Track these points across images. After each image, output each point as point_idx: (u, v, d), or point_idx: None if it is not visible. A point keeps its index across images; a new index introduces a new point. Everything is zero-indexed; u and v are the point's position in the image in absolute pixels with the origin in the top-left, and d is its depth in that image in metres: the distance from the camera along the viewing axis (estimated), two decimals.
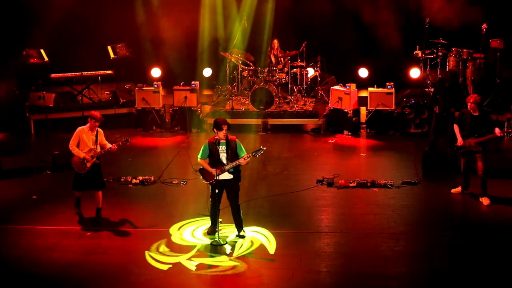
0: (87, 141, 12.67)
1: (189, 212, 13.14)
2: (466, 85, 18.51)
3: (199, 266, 11.13)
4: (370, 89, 18.29)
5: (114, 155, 16.01)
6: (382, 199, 13.78)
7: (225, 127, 11.66)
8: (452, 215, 13.20)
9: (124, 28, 20.09)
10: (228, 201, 12.06)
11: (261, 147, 11.82)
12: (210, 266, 11.14)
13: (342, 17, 20.27)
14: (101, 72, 20.16)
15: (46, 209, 13.43)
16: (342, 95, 18.26)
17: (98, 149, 12.74)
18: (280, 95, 19.12)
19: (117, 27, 19.85)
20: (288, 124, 18.62)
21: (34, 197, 14.11)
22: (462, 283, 10.72)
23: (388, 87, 18.11)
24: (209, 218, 12.18)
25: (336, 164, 15.90)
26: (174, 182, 14.78)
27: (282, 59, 19.49)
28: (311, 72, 19.96)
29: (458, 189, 13.86)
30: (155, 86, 18.78)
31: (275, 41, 19.64)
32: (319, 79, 19.92)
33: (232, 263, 11.22)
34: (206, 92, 20.70)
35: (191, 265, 11.17)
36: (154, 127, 18.67)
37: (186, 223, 12.69)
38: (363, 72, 20.16)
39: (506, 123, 17.14)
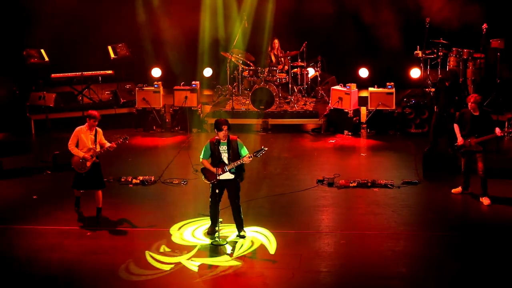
0: (85, 140, 12.67)
1: (189, 212, 13.14)
2: (467, 85, 18.51)
3: (200, 266, 11.12)
4: (371, 89, 18.30)
5: (114, 155, 16.02)
6: (382, 199, 13.78)
7: (225, 128, 11.66)
8: (453, 215, 13.20)
9: (125, 28, 20.09)
10: (228, 201, 12.06)
11: (262, 147, 11.81)
12: (211, 266, 11.14)
13: (343, 17, 20.28)
14: (102, 72, 20.16)
15: (46, 209, 13.43)
16: (342, 95, 18.27)
17: (98, 148, 12.74)
18: (280, 95, 19.12)
19: (117, 27, 19.85)
20: (289, 124, 18.62)
21: (34, 197, 14.11)
22: (462, 283, 10.73)
23: (389, 87, 18.11)
24: (209, 218, 12.17)
25: (337, 164, 15.90)
26: (174, 182, 14.79)
27: (282, 59, 19.49)
28: (311, 72, 19.96)
29: (459, 189, 13.86)
30: (155, 86, 18.78)
31: (276, 40, 19.64)
32: (319, 79, 19.92)
33: (233, 263, 11.22)
34: (207, 92, 20.71)
35: (192, 265, 11.17)
36: (154, 127, 18.67)
37: (187, 223, 12.69)
38: (363, 72, 20.16)
39: (506, 123, 17.14)
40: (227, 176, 11.80)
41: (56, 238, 12.22)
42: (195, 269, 11.06)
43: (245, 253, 11.56)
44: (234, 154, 11.75)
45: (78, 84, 19.75)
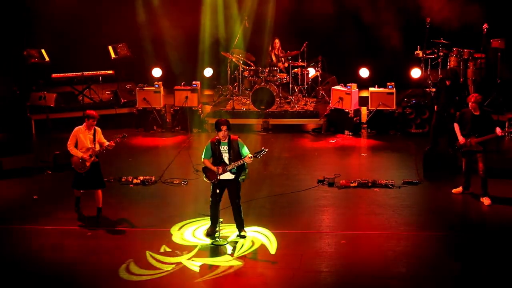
0: (84, 140, 12.68)
1: (190, 212, 13.14)
2: (467, 85, 18.51)
3: (200, 266, 11.12)
4: (371, 89, 18.30)
5: (115, 155, 16.06)
6: (383, 199, 13.78)
7: (224, 128, 11.66)
8: (453, 215, 13.19)
9: (125, 28, 20.10)
10: (229, 201, 12.06)
11: (262, 148, 11.81)
12: (211, 266, 11.13)
13: (343, 17, 20.29)
14: (102, 72, 20.17)
15: (46, 209, 13.44)
16: (343, 95, 18.27)
17: (97, 148, 12.74)
18: (281, 95, 19.12)
19: (118, 27, 19.87)
20: (289, 124, 18.62)
21: (34, 197, 14.12)
22: (463, 283, 10.73)
23: (389, 87, 18.11)
24: (209, 218, 12.17)
25: (337, 164, 15.90)
26: (175, 182, 14.79)
27: (283, 58, 19.50)
28: (312, 72, 19.97)
29: (459, 189, 13.86)
30: (156, 86, 18.78)
31: (277, 40, 19.65)
32: (320, 79, 19.92)
33: (233, 263, 11.22)
34: (207, 92, 20.72)
35: (192, 265, 11.17)
36: (155, 127, 18.67)
37: (187, 223, 12.69)
38: (364, 72, 20.17)
39: (507, 123, 17.12)
40: (228, 176, 11.80)
41: (56, 238, 12.22)
42: (196, 269, 11.06)
43: (245, 253, 11.56)
44: (235, 154, 11.75)
45: (79, 84, 19.75)
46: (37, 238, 12.24)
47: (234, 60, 19.21)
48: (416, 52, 19.12)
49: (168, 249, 11.70)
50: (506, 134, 13.46)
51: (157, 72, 20.70)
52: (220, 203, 11.95)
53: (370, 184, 14.37)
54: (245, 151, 11.78)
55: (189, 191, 14.37)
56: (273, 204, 13.63)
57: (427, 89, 19.08)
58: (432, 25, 18.69)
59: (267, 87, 18.52)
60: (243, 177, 11.97)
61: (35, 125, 18.45)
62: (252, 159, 11.66)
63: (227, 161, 11.76)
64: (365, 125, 18.25)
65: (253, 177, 14.56)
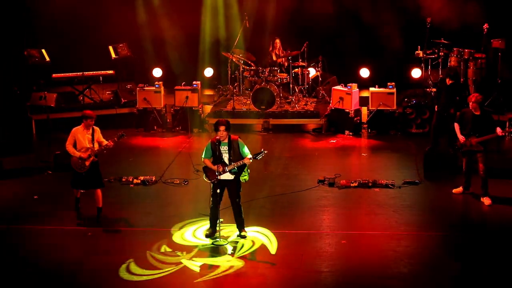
0: (83, 140, 12.68)
1: (190, 212, 13.14)
2: (468, 85, 18.50)
3: (201, 266, 11.12)
4: (372, 89, 18.30)
5: (115, 155, 16.07)
6: (383, 199, 13.78)
7: (221, 128, 11.65)
8: (453, 215, 13.20)
9: (126, 28, 20.10)
10: (229, 201, 12.06)
11: (262, 150, 11.81)
12: (211, 266, 11.13)
13: (344, 17, 20.29)
14: (103, 72, 20.18)
15: (47, 209, 13.44)
16: (343, 95, 18.27)
17: (96, 147, 12.74)
18: (281, 95, 19.12)
19: (118, 27, 19.87)
20: (290, 124, 18.62)
21: (35, 197, 14.12)
22: (463, 283, 10.73)
23: (390, 87, 18.11)
24: (209, 219, 12.17)
25: (338, 164, 15.89)
26: (175, 182, 14.79)
27: (283, 58, 19.49)
28: (312, 72, 19.97)
29: (460, 189, 13.86)
30: (156, 86, 18.78)
31: (277, 40, 19.65)
32: (320, 79, 19.92)
33: (234, 263, 11.22)
34: (208, 92, 20.72)
35: (193, 265, 11.16)
36: (155, 127, 18.67)
37: (187, 223, 12.69)
38: (364, 72, 20.18)
39: (507, 123, 17.11)
40: (227, 176, 11.80)
41: (57, 238, 12.22)
42: (196, 269, 11.06)
43: (246, 253, 11.56)
44: (235, 154, 11.75)
45: (79, 84, 19.77)
46: (37, 238, 12.25)
47: (234, 60, 19.20)
48: (417, 52, 19.12)
49: (168, 249, 11.70)
50: (507, 134, 13.46)
51: (157, 72, 20.72)
52: (220, 203, 11.94)
53: (370, 184, 14.37)
54: (246, 151, 11.78)
55: (189, 191, 14.37)
56: (274, 204, 13.63)
57: (428, 89, 19.08)
58: (432, 25, 18.70)
59: (268, 87, 18.52)
60: (246, 177, 11.97)
61: (36, 125, 18.44)
62: (251, 160, 11.67)
63: (227, 161, 11.76)
64: (365, 125, 18.25)
65: (253, 177, 14.51)
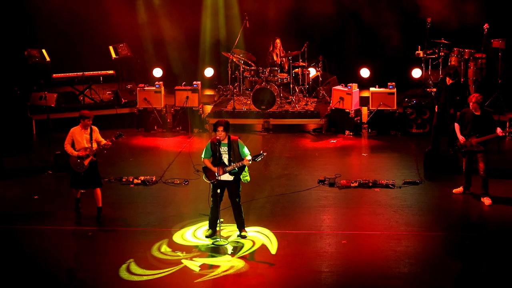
0: (81, 140, 12.70)
1: (190, 212, 13.14)
2: (468, 85, 18.51)
3: (201, 266, 11.12)
4: (372, 89, 18.29)
5: (115, 155, 16.10)
6: (383, 199, 13.78)
7: (220, 128, 11.65)
8: (454, 215, 13.20)
9: (126, 28, 20.11)
10: (229, 201, 12.06)
11: (261, 152, 11.81)
12: (212, 266, 11.13)
13: (344, 17, 20.30)
14: (103, 72, 20.16)
15: (47, 209, 13.44)
16: (343, 95, 18.26)
17: (95, 146, 12.75)
18: (281, 95, 19.11)
19: (118, 27, 19.88)
20: (290, 124, 18.62)
21: (35, 197, 14.12)
22: (464, 283, 10.73)
23: (390, 87, 18.10)
24: (208, 220, 12.17)
25: (338, 164, 15.89)
26: (175, 182, 14.79)
27: (284, 58, 19.49)
28: (312, 72, 19.97)
29: (460, 189, 13.86)
30: (156, 86, 18.77)
31: (278, 40, 19.64)
32: (320, 79, 19.92)
33: (234, 263, 11.22)
34: (208, 92, 20.72)
35: (193, 265, 11.17)
36: (155, 127, 18.67)
37: (188, 223, 12.68)
38: (364, 72, 20.20)
39: (507, 123, 17.13)
40: (227, 177, 11.80)
41: (57, 238, 12.23)
42: (197, 269, 11.06)
43: (246, 253, 11.56)
44: (235, 154, 11.75)
45: (80, 84, 19.76)
46: (37, 238, 12.25)
47: (234, 60, 19.20)
48: (417, 52, 19.12)
49: (168, 249, 11.70)
50: (507, 134, 13.46)
51: (157, 72, 20.73)
52: (220, 203, 11.94)
53: (370, 184, 14.37)
54: (246, 151, 11.78)
55: (189, 191, 14.37)
56: (274, 204, 13.62)
57: (428, 89, 19.08)
58: (433, 25, 18.71)
59: (268, 87, 18.52)
60: (247, 178, 11.98)
61: (36, 125, 18.42)
62: (251, 162, 11.68)
63: (226, 162, 11.76)
64: (365, 125, 18.25)
65: (253, 177, 14.51)
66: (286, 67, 19.38)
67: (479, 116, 13.28)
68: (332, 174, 14.80)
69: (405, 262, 11.20)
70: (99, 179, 12.93)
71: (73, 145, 12.74)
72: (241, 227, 12.09)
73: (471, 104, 13.29)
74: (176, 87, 18.81)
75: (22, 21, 19.87)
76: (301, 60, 19.49)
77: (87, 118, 12.68)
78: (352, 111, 18.08)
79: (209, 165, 11.86)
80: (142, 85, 18.85)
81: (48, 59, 19.73)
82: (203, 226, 12.45)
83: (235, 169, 11.73)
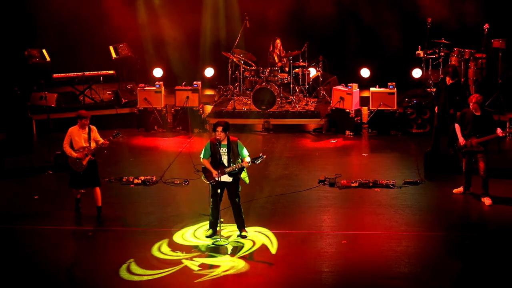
0: (79, 140, 12.72)
1: (191, 212, 13.14)
2: (468, 85, 18.51)
3: (201, 266, 11.12)
4: (372, 89, 18.29)
5: (116, 155, 16.10)
6: (384, 199, 13.78)
7: (219, 129, 11.64)
8: (454, 215, 13.20)
9: (126, 28, 20.10)
10: (229, 201, 12.06)
11: (261, 154, 11.81)
12: (212, 266, 11.13)
13: (344, 17, 20.29)
14: (103, 72, 20.16)
15: (47, 209, 13.44)
16: (344, 95, 18.26)
17: (93, 146, 12.75)
18: (282, 95, 19.11)
19: (119, 27, 19.87)
20: (290, 124, 18.61)
21: (35, 197, 14.12)
22: (464, 283, 10.73)
23: (390, 87, 18.10)
24: (209, 220, 12.16)
25: (338, 164, 15.89)
26: (176, 182, 14.79)
27: (284, 59, 19.48)
28: (313, 72, 19.97)
29: (460, 189, 13.85)
30: (157, 86, 18.77)
31: (278, 40, 19.63)
32: (321, 79, 19.92)
33: (234, 263, 11.21)
34: (208, 92, 20.73)
35: (193, 265, 11.16)
36: (156, 127, 18.67)
37: (188, 223, 12.68)
38: (365, 72, 20.20)
39: (508, 123, 17.15)
40: (226, 178, 11.80)
41: (57, 238, 12.23)
42: (197, 269, 11.06)
43: (246, 253, 11.56)
44: (235, 155, 11.75)
45: (80, 84, 19.76)
46: (37, 238, 12.25)
47: (235, 60, 19.19)
48: (417, 52, 19.12)
49: (169, 249, 11.70)
50: (507, 134, 13.47)
51: (158, 72, 20.74)
52: (220, 203, 11.94)
53: (371, 184, 14.37)
54: (245, 153, 11.79)
55: (190, 191, 14.36)
56: (274, 204, 13.62)
57: (428, 89, 19.08)
58: (433, 25, 18.70)
59: (268, 87, 18.52)
60: (246, 179, 11.98)
61: (36, 125, 18.43)
62: (249, 164, 11.68)
63: (226, 162, 11.75)
64: (366, 125, 18.24)
65: (254, 177, 14.54)
66: (287, 68, 19.36)
67: (479, 116, 13.27)
68: (333, 174, 14.80)
69: (405, 262, 11.20)
70: (97, 178, 12.93)
71: (72, 145, 12.75)
72: (241, 227, 12.09)
73: (471, 104, 13.28)
74: (177, 87, 18.81)
75: (22, 21, 19.86)
76: (301, 60, 19.49)
77: (84, 118, 12.70)
78: (352, 111, 18.08)
79: (208, 165, 11.86)
80: (143, 85, 18.86)
81: (48, 59, 19.72)
82: (203, 226, 12.45)
83: (234, 170, 11.73)
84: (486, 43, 18.32)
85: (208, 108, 19.40)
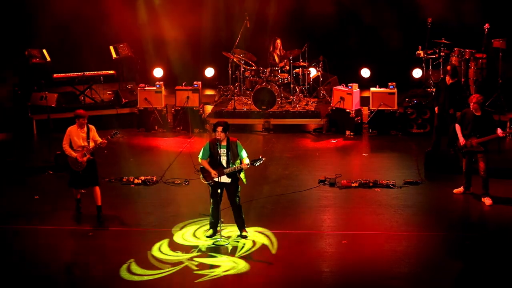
0: (77, 140, 12.74)
1: (191, 212, 13.14)
2: (468, 85, 18.50)
3: (201, 266, 11.13)
4: (372, 89, 18.28)
5: (116, 155, 16.09)
6: (384, 199, 13.78)
7: (219, 129, 11.64)
8: (454, 215, 13.19)
9: (126, 28, 20.10)
10: (228, 202, 12.06)
11: (260, 157, 11.81)
12: (212, 266, 11.13)
13: (345, 17, 20.29)
14: (103, 72, 20.15)
15: (47, 209, 13.44)
16: (344, 95, 18.26)
17: (92, 145, 12.76)
18: (282, 95, 19.11)
19: (119, 27, 19.87)
20: (290, 124, 18.61)
21: (36, 197, 14.12)
22: (464, 283, 10.73)
23: (390, 87, 18.10)
24: (209, 221, 12.17)
25: (338, 164, 15.89)
26: (176, 182, 14.79)
27: (285, 60, 19.46)
28: (313, 72, 19.96)
29: (460, 189, 13.85)
30: (157, 86, 18.77)
31: (278, 40, 19.63)
32: (321, 79, 19.91)
33: (234, 263, 11.21)
34: (208, 92, 20.73)
35: (193, 265, 11.16)
36: (156, 127, 18.67)
37: (188, 223, 12.69)
38: (365, 72, 20.20)
39: (508, 123, 17.15)
40: (225, 179, 11.79)
41: (57, 238, 12.23)
42: (197, 269, 11.06)
43: (246, 253, 11.56)
44: (234, 156, 11.75)
45: (80, 84, 19.75)
46: (38, 238, 12.25)
47: (235, 60, 19.19)
48: (418, 52, 19.11)
49: (169, 249, 11.70)
50: (507, 134, 13.47)
51: (158, 72, 20.74)
52: (220, 203, 11.94)
53: (371, 184, 14.37)
54: (243, 154, 11.79)
55: (190, 191, 14.36)
56: (274, 204, 13.62)
57: (429, 89, 19.07)
58: (433, 25, 18.70)
59: (269, 87, 18.52)
60: (244, 180, 11.97)
61: (36, 125, 18.44)
62: (248, 166, 11.68)
63: (225, 163, 11.75)
64: (366, 125, 18.24)
65: (254, 177, 14.56)
66: (287, 67, 19.35)
67: (479, 116, 13.27)
68: (333, 174, 14.80)
69: (405, 262, 11.20)
70: (97, 177, 12.93)
71: (70, 145, 12.77)
72: (241, 227, 12.09)
73: (471, 104, 13.28)
74: (177, 87, 18.81)
75: (22, 21, 19.86)
76: (301, 60, 19.48)
77: (82, 117, 12.72)
78: (352, 111, 18.07)
79: (206, 166, 11.85)
80: (143, 85, 18.86)
81: (48, 59, 19.72)
82: (204, 226, 12.46)
83: (233, 171, 11.73)
84: (486, 43, 18.31)
85: (209, 108, 19.40)
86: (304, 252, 11.58)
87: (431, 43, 18.97)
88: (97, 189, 12.85)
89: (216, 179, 11.72)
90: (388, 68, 19.85)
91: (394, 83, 18.13)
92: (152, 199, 13.99)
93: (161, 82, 18.97)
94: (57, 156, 15.42)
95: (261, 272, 10.99)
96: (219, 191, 11.82)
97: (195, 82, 18.92)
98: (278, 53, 19.59)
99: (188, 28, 20.33)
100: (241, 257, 11.40)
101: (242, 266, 11.13)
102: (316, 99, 19.74)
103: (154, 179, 14.83)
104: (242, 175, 11.91)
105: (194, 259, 11.38)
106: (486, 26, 18.01)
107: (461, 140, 13.38)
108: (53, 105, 18.33)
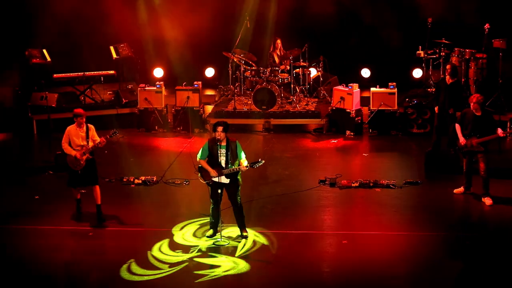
0: (76, 139, 12.75)
1: (191, 212, 13.14)
2: (469, 85, 18.50)
3: (201, 266, 11.12)
4: (373, 89, 18.28)
5: (116, 155, 16.09)
6: (384, 199, 13.77)
7: (219, 129, 11.62)
8: (454, 215, 13.20)
9: (127, 28, 20.10)
10: (229, 202, 12.05)
11: (259, 159, 11.78)
12: (212, 266, 11.13)
13: (345, 17, 20.29)
14: (104, 72, 20.15)
15: (47, 209, 13.44)
16: (344, 95, 18.26)
17: (91, 144, 12.77)
18: (282, 95, 19.10)
19: (119, 27, 19.87)
20: (291, 124, 18.61)
21: (36, 197, 14.12)
22: (464, 283, 10.72)
23: (391, 87, 18.10)
24: (209, 221, 12.17)
25: (339, 164, 15.89)
26: (176, 182, 14.79)
27: (285, 61, 19.46)
28: (313, 72, 19.96)
29: (461, 189, 13.85)
30: (157, 86, 18.77)
31: (278, 41, 19.63)
32: (321, 79, 19.91)
33: (234, 263, 11.21)
34: (209, 92, 20.73)
35: (194, 265, 11.16)
36: (156, 127, 18.67)
37: (188, 223, 12.68)
38: (365, 72, 20.20)
39: (508, 123, 17.14)
40: (223, 180, 11.78)
41: (57, 238, 12.22)
42: (197, 269, 11.05)
43: (247, 253, 11.56)
44: (233, 156, 11.74)
45: (80, 84, 19.75)
46: (38, 238, 12.24)
47: (235, 60, 19.19)
48: (418, 52, 19.11)
49: (169, 249, 11.70)
50: (508, 134, 13.46)
51: (158, 72, 20.74)
52: (220, 203, 11.94)
53: (371, 184, 14.36)
54: (242, 155, 11.79)
55: (190, 191, 14.36)
56: (275, 204, 13.62)
57: (429, 89, 19.07)
58: (433, 25, 18.70)
59: (269, 87, 18.51)
60: (239, 181, 11.94)
61: (37, 125, 18.44)
62: (247, 168, 11.67)
63: (224, 164, 11.74)
64: (366, 125, 18.24)
65: (254, 177, 14.57)
66: (288, 67, 19.35)
67: (480, 116, 13.27)
68: (333, 174, 14.79)
69: (405, 262, 11.21)
70: (96, 177, 12.93)
71: (70, 144, 12.77)
72: (242, 227, 12.09)
73: (472, 104, 13.28)
74: (177, 87, 18.81)
75: (22, 21, 19.86)
76: (302, 60, 19.48)
77: (80, 116, 12.75)
78: (353, 111, 18.07)
79: (205, 165, 11.84)
80: (143, 85, 18.87)
81: (49, 59, 19.72)
82: (204, 226, 12.46)
83: (232, 172, 11.72)
84: (486, 43, 18.31)
85: (209, 108, 19.40)
86: (304, 252, 11.57)
87: (431, 43, 18.97)
88: (97, 188, 12.85)
89: (216, 179, 11.72)
90: (388, 68, 19.85)
91: (394, 83, 18.13)
92: (152, 199, 14.00)
93: (161, 82, 18.97)
94: (57, 156, 15.42)
95: (261, 272, 10.99)
96: (219, 191, 11.82)
97: (195, 82, 18.92)
98: (278, 53, 19.59)
99: (188, 28, 20.32)
100: (241, 257, 11.40)
101: (242, 266, 11.13)
102: (316, 99, 19.74)
103: (155, 179, 14.83)
104: (238, 176, 11.89)
105: (194, 259, 11.37)
106: (486, 26, 18.01)
107: (461, 140, 13.38)
108: (53, 105, 18.33)
